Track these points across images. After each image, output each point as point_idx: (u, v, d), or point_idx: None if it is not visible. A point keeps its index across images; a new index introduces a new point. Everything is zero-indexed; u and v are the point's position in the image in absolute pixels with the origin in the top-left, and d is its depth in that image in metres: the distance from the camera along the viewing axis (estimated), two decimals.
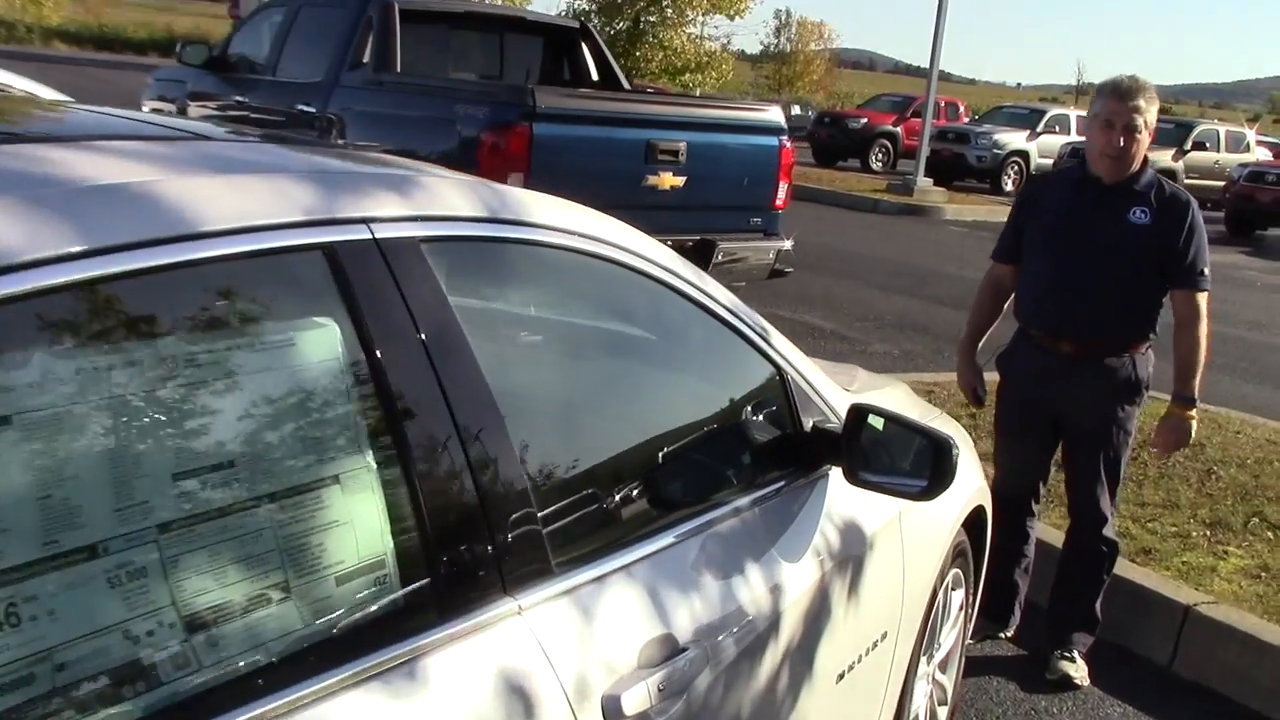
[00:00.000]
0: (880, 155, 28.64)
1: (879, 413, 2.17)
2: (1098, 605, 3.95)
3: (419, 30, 8.16)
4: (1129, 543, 4.62)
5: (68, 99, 4.84)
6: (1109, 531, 3.92)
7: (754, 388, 2.24)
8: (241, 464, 1.19)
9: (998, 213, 20.29)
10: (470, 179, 1.66)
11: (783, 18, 78.54)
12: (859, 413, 2.19)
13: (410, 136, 7.05)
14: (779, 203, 7.61)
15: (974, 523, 3.21)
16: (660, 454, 1.94)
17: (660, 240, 6.00)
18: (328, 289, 1.31)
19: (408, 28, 7.94)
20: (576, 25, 9.38)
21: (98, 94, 23.40)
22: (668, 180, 6.97)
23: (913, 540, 2.61)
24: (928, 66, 19.87)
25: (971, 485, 3.15)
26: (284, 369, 1.26)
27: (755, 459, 2.15)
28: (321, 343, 1.30)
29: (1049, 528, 4.66)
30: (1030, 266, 3.83)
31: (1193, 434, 3.81)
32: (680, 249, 6.33)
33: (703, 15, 32.19)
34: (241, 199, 1.26)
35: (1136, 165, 3.63)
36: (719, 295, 2.07)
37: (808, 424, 2.27)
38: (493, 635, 1.38)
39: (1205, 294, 3.66)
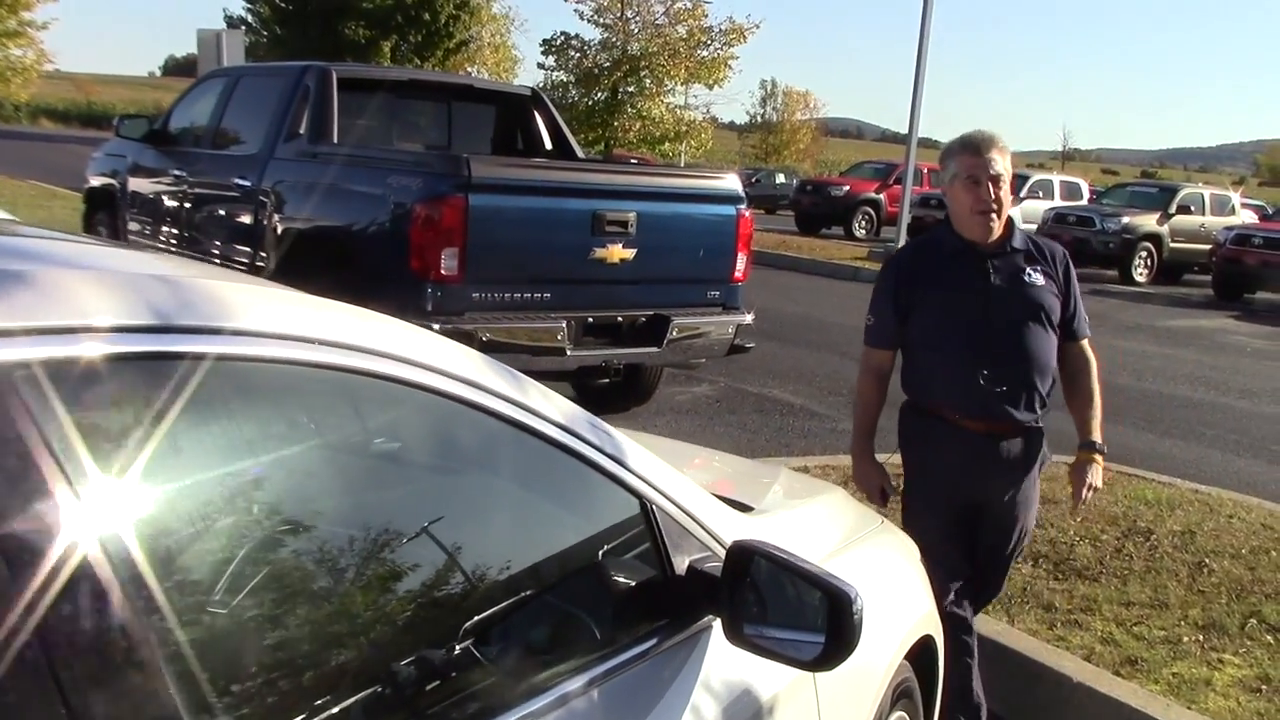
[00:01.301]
0: (863, 223, 28.37)
1: (764, 555, 1.70)
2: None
3: (361, 100, 7.82)
4: (1112, 650, 4.13)
5: None
6: None
7: (602, 524, 1.77)
8: None
9: None
10: (138, 272, 1.21)
11: (768, 88, 79.00)
12: (742, 553, 1.73)
13: (345, 210, 6.69)
14: (738, 275, 7.20)
15: (921, 651, 2.72)
16: (437, 633, 1.45)
17: (610, 316, 5.60)
18: None
19: (350, 97, 7.61)
20: (528, 93, 9.03)
21: (61, 167, 23.15)
22: (617, 253, 6.56)
23: (833, 691, 2.13)
24: (907, 133, 19.62)
25: (917, 610, 2.68)
26: None
27: (601, 619, 1.67)
28: None
29: (1022, 633, 4.19)
30: (935, 351, 3.52)
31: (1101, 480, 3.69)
32: (633, 325, 5.94)
33: (681, 85, 32.01)
34: None
35: (1004, 222, 3.46)
36: (548, 410, 1.61)
37: (682, 565, 1.80)
38: None
39: (1089, 338, 3.66)
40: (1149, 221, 22.85)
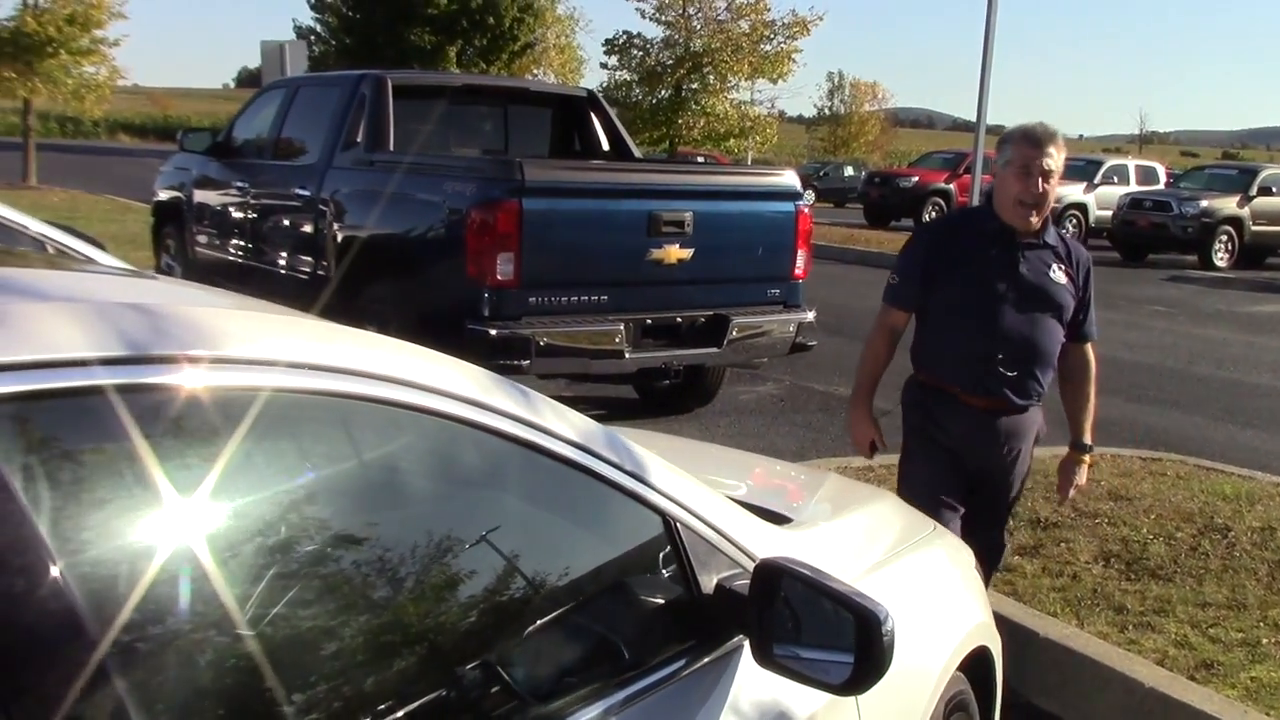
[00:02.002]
0: (933, 214, 27.91)
1: (791, 573, 1.63)
2: None
3: (417, 107, 7.85)
4: (1187, 654, 3.98)
5: None
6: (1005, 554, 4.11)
7: (625, 542, 1.71)
8: None
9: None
10: (114, 302, 1.17)
11: (835, 80, 78.22)
12: (769, 572, 1.66)
13: (402, 217, 6.72)
14: (798, 272, 7.11)
15: (976, 663, 2.63)
16: (463, 656, 1.41)
17: (669, 317, 5.56)
18: None
19: (406, 104, 7.64)
20: (584, 94, 9.00)
21: (135, 181, 23.64)
22: (674, 253, 6.51)
23: (878, 707, 2.05)
24: (975, 121, 19.32)
25: (969, 620, 2.58)
26: None
27: (627, 640, 1.62)
28: None
29: (1092, 636, 4.06)
30: (953, 323, 3.65)
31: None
32: (692, 326, 5.89)
33: (745, 80, 31.78)
34: None
35: (1043, 216, 3.58)
36: (559, 428, 1.55)
37: (709, 583, 1.74)
38: None
39: (1093, 341, 3.80)
40: (1229, 204, 22.28)
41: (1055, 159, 3.48)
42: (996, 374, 3.55)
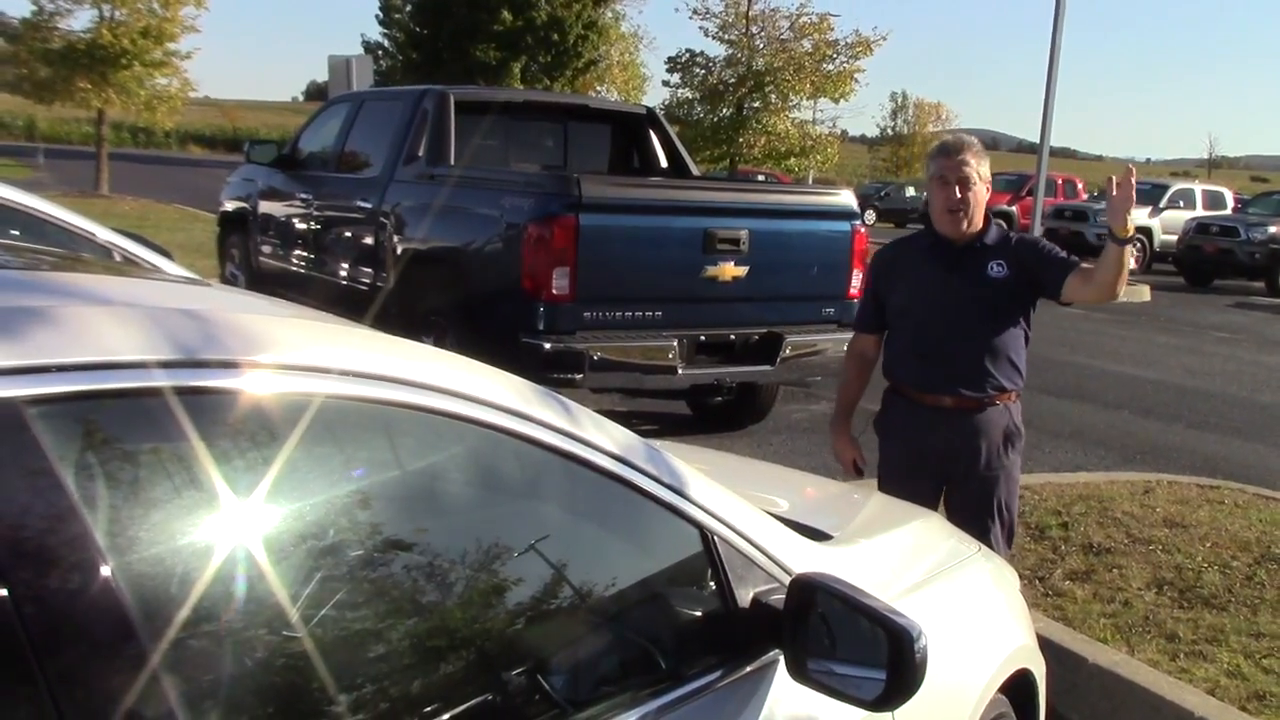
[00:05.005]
0: None
1: (825, 589, 1.65)
2: None
3: (478, 122, 7.94)
4: (1239, 684, 3.93)
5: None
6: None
7: (662, 554, 1.74)
8: None
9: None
10: (164, 307, 1.22)
11: (899, 100, 77.98)
12: (804, 588, 1.68)
13: (460, 230, 6.81)
14: (853, 291, 7.09)
15: (1018, 685, 2.62)
16: (501, 663, 1.45)
17: (723, 334, 5.57)
18: None
19: (467, 119, 7.74)
20: (643, 112, 9.06)
21: (204, 191, 24.13)
22: (729, 271, 6.54)
23: None
24: (1039, 143, 19.17)
25: (1011, 642, 2.57)
26: None
27: (662, 651, 1.64)
28: None
29: (1142, 664, 4.01)
30: (899, 333, 3.87)
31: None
32: (745, 343, 5.90)
33: (807, 99, 31.71)
34: None
35: (979, 221, 3.70)
36: (599, 440, 1.59)
37: (745, 597, 1.76)
38: None
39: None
40: None
41: (973, 166, 3.62)
42: (940, 368, 3.70)
